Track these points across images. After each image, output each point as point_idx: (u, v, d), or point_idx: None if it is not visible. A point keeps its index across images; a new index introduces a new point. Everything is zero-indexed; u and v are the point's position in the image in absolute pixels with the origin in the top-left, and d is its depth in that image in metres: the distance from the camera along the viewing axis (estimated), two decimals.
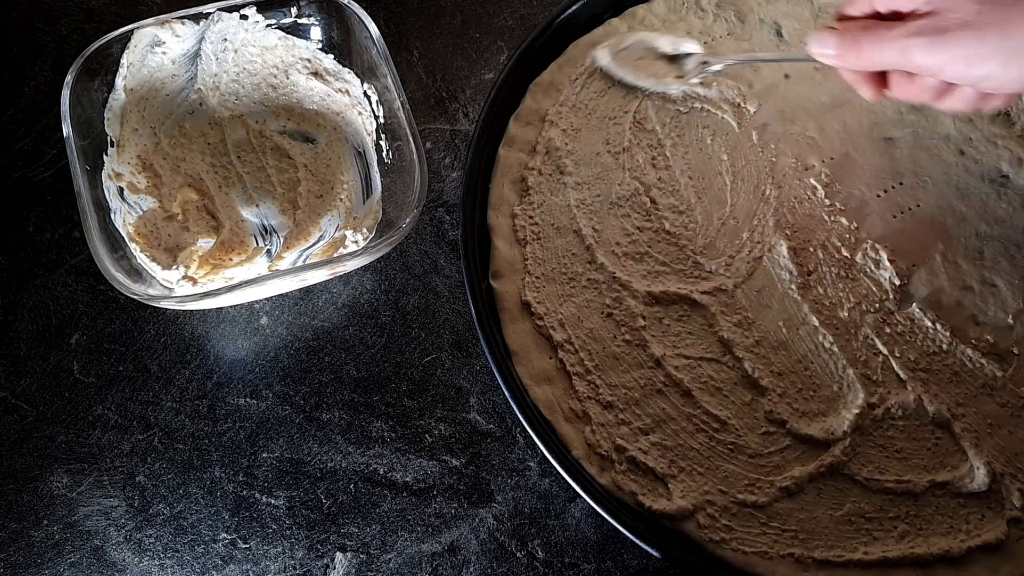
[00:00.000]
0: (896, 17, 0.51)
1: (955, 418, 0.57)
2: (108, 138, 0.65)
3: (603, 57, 0.67)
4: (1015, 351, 0.60)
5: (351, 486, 0.61)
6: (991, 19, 0.44)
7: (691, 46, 0.67)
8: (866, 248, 0.63)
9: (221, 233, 0.65)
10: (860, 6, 0.53)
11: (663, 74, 0.66)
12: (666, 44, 0.67)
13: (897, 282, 0.62)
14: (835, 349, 0.59)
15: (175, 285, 0.62)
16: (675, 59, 0.66)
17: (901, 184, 0.66)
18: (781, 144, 0.67)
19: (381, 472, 0.61)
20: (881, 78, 0.54)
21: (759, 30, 0.72)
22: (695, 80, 0.67)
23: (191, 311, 0.66)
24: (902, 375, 0.59)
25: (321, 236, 0.66)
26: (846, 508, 0.55)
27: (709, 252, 0.63)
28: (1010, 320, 0.61)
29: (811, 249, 0.63)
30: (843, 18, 0.55)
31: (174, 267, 0.62)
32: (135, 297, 0.56)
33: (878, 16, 0.52)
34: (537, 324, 0.60)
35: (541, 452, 0.56)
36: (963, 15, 0.45)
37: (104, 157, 0.64)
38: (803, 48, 0.57)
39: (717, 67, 0.66)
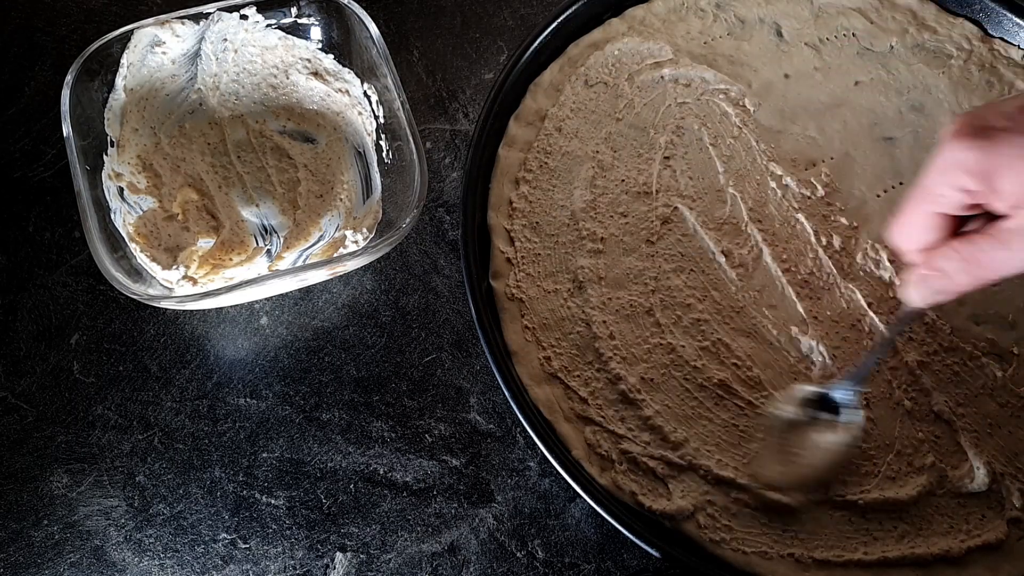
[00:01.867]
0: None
1: (956, 418, 0.57)
2: (108, 138, 0.65)
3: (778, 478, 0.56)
4: (1015, 351, 0.60)
5: (351, 486, 0.61)
6: None
7: (809, 390, 0.57)
8: (866, 248, 0.63)
9: (221, 233, 0.65)
10: (924, 232, 0.46)
11: (832, 439, 0.56)
12: (793, 410, 0.56)
13: (897, 282, 0.62)
14: (834, 350, 0.59)
15: (175, 285, 0.62)
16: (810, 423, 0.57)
17: (901, 184, 0.66)
18: (781, 144, 0.67)
19: (381, 472, 0.61)
20: None
21: (759, 30, 0.72)
22: (855, 416, 0.56)
23: (191, 311, 0.66)
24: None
25: (321, 236, 0.66)
26: (846, 508, 0.55)
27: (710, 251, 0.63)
28: (1010, 320, 0.61)
29: (811, 249, 0.63)
30: (913, 254, 0.48)
31: (174, 267, 0.62)
32: (135, 297, 0.56)
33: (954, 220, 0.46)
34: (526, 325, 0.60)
35: (541, 452, 0.56)
36: None
37: (104, 157, 0.64)
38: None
39: (852, 397, 0.56)
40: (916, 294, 0.49)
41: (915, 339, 0.60)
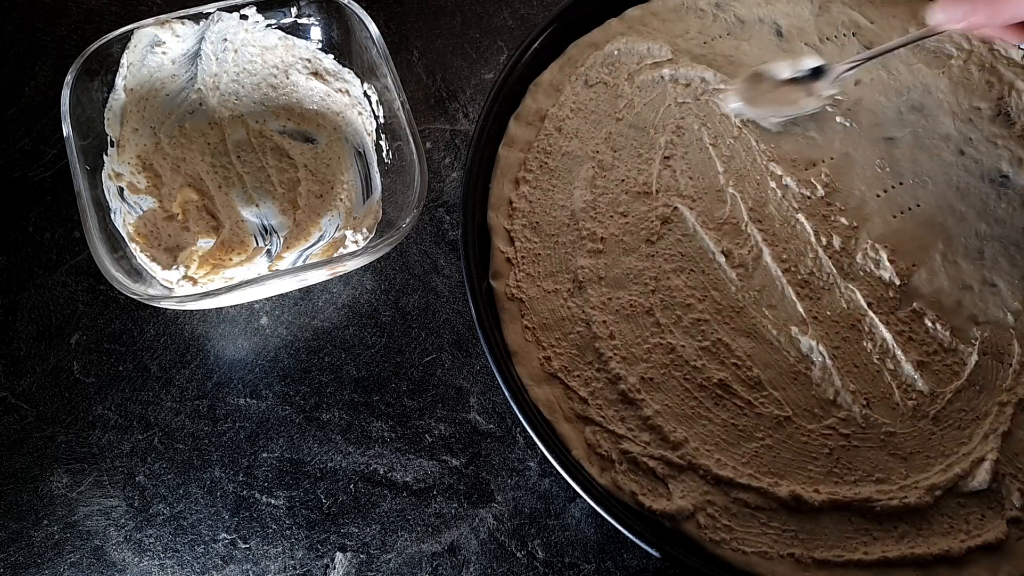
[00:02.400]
0: None
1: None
2: (108, 138, 0.65)
3: (732, 102, 0.67)
4: (1015, 350, 0.60)
5: (351, 486, 0.61)
6: None
7: (810, 61, 0.66)
8: (866, 248, 0.63)
9: (221, 233, 0.65)
10: None
11: (796, 99, 0.66)
12: (785, 70, 0.66)
13: (897, 282, 0.62)
14: (834, 350, 0.59)
15: (175, 285, 0.62)
16: (799, 80, 0.66)
17: (901, 184, 0.66)
18: (781, 144, 0.67)
19: (381, 472, 0.61)
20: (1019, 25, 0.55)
21: (759, 30, 0.72)
22: (831, 92, 0.65)
23: (191, 311, 0.66)
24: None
25: (321, 236, 0.66)
26: (846, 508, 0.55)
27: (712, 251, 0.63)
28: (1010, 320, 0.61)
29: (811, 249, 0.63)
30: None
31: (174, 267, 0.62)
32: (135, 297, 0.56)
33: None
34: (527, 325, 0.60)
35: (541, 452, 0.56)
36: None
37: (104, 157, 0.64)
38: (920, 26, 0.58)
39: (847, 71, 0.65)
40: (939, 12, 0.55)
41: (915, 339, 0.60)
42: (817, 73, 0.65)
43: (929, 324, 0.60)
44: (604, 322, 0.60)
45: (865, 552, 0.54)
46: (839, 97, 0.67)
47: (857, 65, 0.65)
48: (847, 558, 0.53)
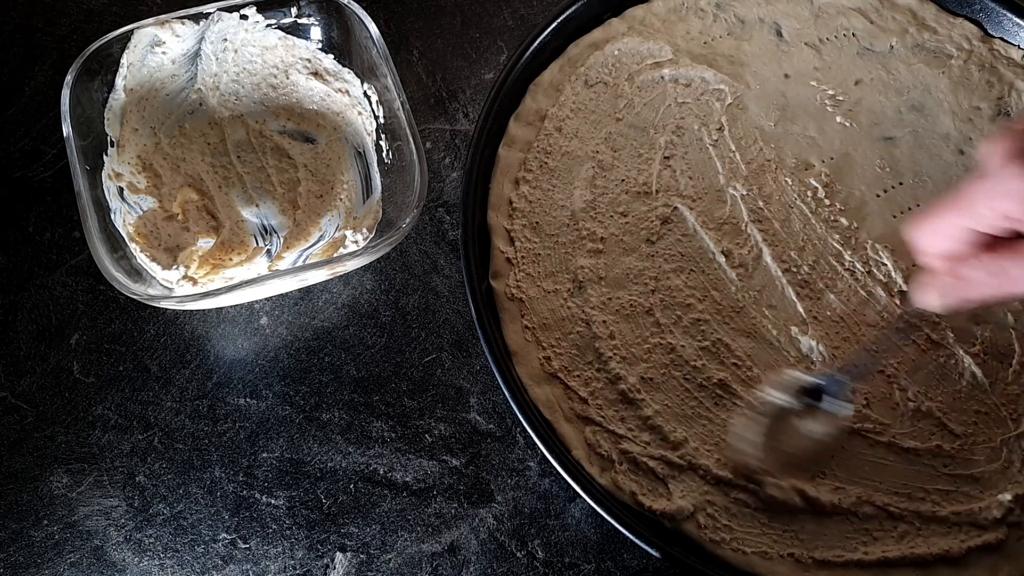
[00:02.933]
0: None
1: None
2: (108, 138, 0.65)
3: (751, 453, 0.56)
4: (1015, 350, 0.60)
5: (351, 486, 0.61)
6: None
7: (807, 379, 0.57)
8: (866, 248, 0.63)
9: (221, 233, 0.65)
10: (945, 241, 0.46)
11: (821, 431, 0.56)
12: (787, 397, 0.56)
13: (898, 282, 0.62)
14: (834, 350, 0.59)
15: (175, 285, 0.62)
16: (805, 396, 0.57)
17: (901, 184, 0.66)
18: (781, 144, 0.67)
19: (381, 472, 0.61)
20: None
21: (759, 30, 0.72)
22: (844, 404, 0.56)
23: (191, 311, 0.66)
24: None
25: (321, 236, 0.66)
26: (846, 508, 0.55)
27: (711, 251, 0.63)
28: (1010, 320, 0.61)
29: (810, 249, 0.63)
30: (935, 260, 0.48)
31: (174, 267, 0.62)
32: (135, 297, 0.56)
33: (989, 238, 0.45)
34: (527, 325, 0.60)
35: (541, 452, 0.56)
36: None
37: (104, 157, 0.64)
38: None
39: (845, 385, 0.56)
40: (936, 299, 0.48)
41: (916, 341, 0.60)
42: (816, 395, 0.56)
43: (929, 324, 0.60)
44: (604, 322, 0.60)
45: (865, 552, 0.54)
46: (840, 98, 0.67)
47: (856, 373, 0.56)
48: (847, 558, 0.53)
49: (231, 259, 0.65)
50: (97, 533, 0.59)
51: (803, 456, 0.55)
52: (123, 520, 0.59)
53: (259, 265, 0.65)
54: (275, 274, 0.59)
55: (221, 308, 0.66)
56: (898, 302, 0.61)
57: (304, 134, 0.71)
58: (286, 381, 0.64)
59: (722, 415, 0.57)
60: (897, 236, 0.63)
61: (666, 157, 0.66)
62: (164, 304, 0.57)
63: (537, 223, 0.64)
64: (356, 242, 0.64)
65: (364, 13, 0.66)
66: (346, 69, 0.69)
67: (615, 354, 0.59)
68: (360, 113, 0.69)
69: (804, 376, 0.56)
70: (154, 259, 0.62)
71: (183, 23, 0.66)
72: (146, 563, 0.58)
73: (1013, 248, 0.44)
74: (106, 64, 0.64)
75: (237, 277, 0.64)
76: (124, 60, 0.65)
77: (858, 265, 0.62)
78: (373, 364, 0.65)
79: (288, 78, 0.70)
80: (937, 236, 0.46)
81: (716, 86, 0.69)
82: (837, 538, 0.54)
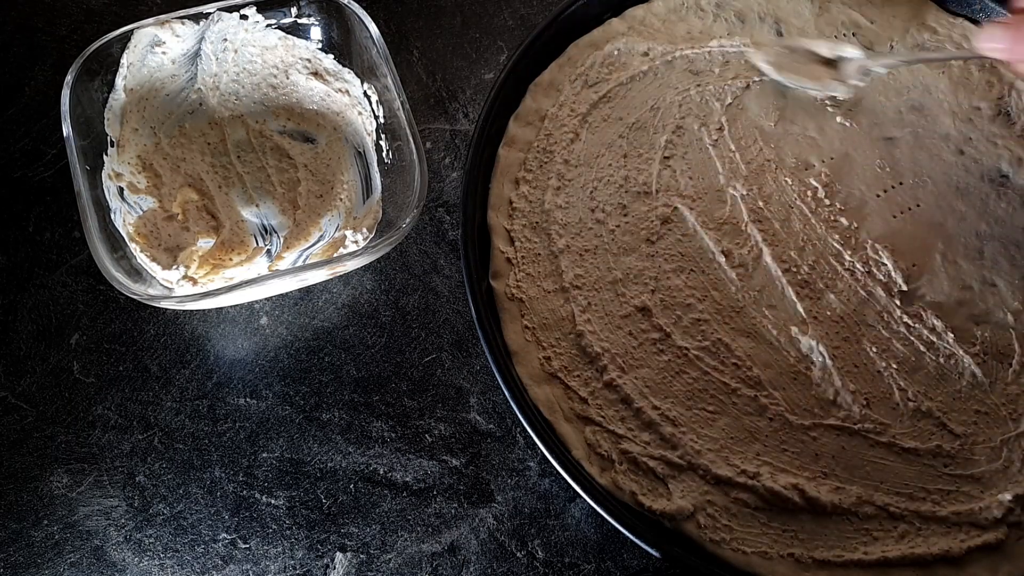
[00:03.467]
0: None
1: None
2: (108, 138, 0.65)
3: (761, 62, 0.67)
4: (1015, 350, 0.60)
5: (351, 486, 0.61)
6: None
7: (850, 51, 0.66)
8: (866, 248, 0.63)
9: (221, 233, 0.65)
10: None
11: (824, 77, 0.66)
12: (824, 48, 0.67)
13: (898, 282, 0.62)
14: (834, 350, 0.59)
15: (175, 285, 0.62)
16: (833, 63, 0.66)
17: (901, 184, 0.66)
18: (781, 144, 0.67)
19: (381, 472, 0.61)
20: None
21: (759, 29, 0.72)
22: (857, 82, 0.66)
23: (191, 311, 0.66)
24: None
25: (321, 236, 0.66)
26: (846, 508, 0.55)
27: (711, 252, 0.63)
28: (1010, 320, 0.61)
29: (810, 249, 0.63)
30: (1017, 10, 0.56)
31: (174, 267, 0.62)
32: (135, 297, 0.56)
33: None
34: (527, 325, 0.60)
35: (541, 452, 0.56)
36: None
37: (104, 157, 0.64)
38: (967, 45, 0.58)
39: (880, 70, 0.66)
40: (986, 42, 0.55)
41: (916, 339, 0.60)
42: (849, 63, 0.66)
43: (930, 324, 0.60)
44: (603, 322, 0.60)
45: (865, 552, 0.54)
46: (841, 97, 0.67)
47: (891, 67, 0.66)
48: (847, 558, 0.53)
49: (231, 259, 0.65)
50: (97, 533, 0.59)
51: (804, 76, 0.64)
52: (123, 520, 0.59)
53: (259, 265, 0.65)
54: (275, 274, 0.59)
55: (221, 308, 0.66)
56: (898, 302, 0.61)
57: (304, 134, 0.71)
58: (286, 381, 0.64)
59: (722, 415, 0.57)
60: (897, 236, 0.63)
61: (666, 157, 0.66)
62: (164, 304, 0.57)
63: (537, 223, 0.64)
64: (356, 242, 0.64)
65: (364, 13, 0.66)
66: (346, 69, 0.69)
67: (614, 354, 0.59)
68: (360, 113, 0.69)
69: (850, 50, 0.66)
70: (154, 259, 0.62)
71: (183, 23, 0.66)
72: (146, 563, 0.58)
73: None
74: (106, 64, 0.64)
75: (237, 277, 0.64)
76: (124, 60, 0.65)
77: (858, 265, 0.62)
78: (373, 364, 0.65)
79: (288, 78, 0.70)
80: None
81: (716, 86, 0.69)
82: (837, 538, 0.54)
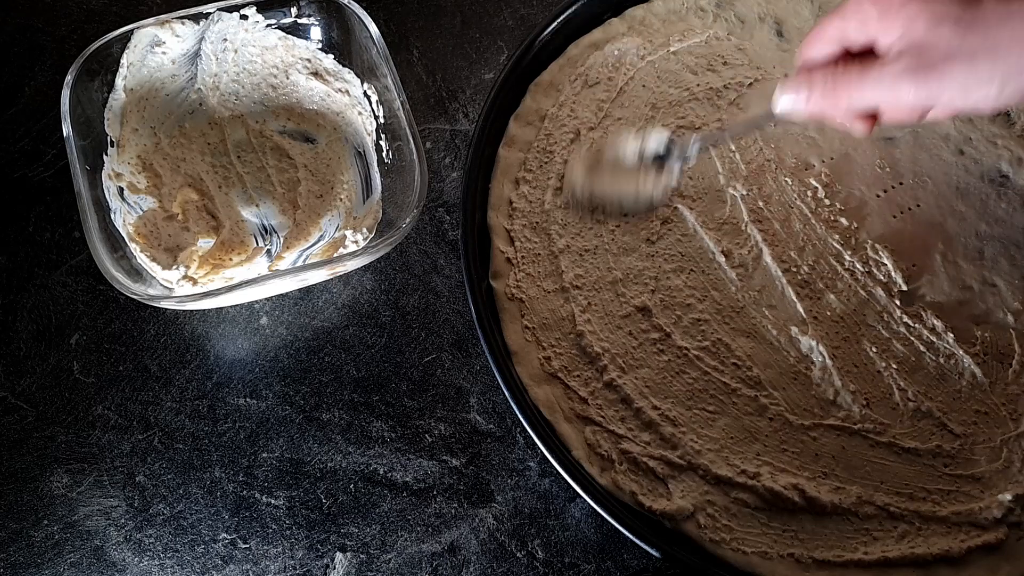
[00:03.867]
0: (864, 52, 0.49)
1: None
2: (108, 138, 0.65)
3: (577, 179, 0.62)
4: (1015, 350, 0.60)
5: (351, 486, 0.61)
6: (979, 46, 0.43)
7: (656, 138, 0.61)
8: (866, 248, 0.63)
9: (221, 233, 0.65)
10: (825, 44, 0.49)
11: (640, 184, 0.61)
12: (630, 150, 0.61)
13: (898, 282, 0.62)
14: (834, 350, 0.59)
15: (175, 285, 0.62)
16: (651, 160, 0.61)
17: (901, 184, 0.66)
18: (781, 144, 0.67)
19: (381, 472, 0.61)
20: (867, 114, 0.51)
21: (759, 30, 0.72)
22: (676, 176, 0.62)
23: (191, 311, 0.66)
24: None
25: (321, 236, 0.66)
26: (846, 508, 0.55)
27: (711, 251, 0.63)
28: (1010, 320, 0.61)
29: (810, 249, 0.63)
30: (805, 67, 0.51)
31: (174, 267, 0.62)
32: (135, 297, 0.56)
33: (846, 54, 0.49)
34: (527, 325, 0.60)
35: (541, 452, 0.56)
36: (947, 47, 0.43)
37: (104, 157, 0.64)
38: (772, 103, 0.53)
39: (692, 154, 0.61)
40: (780, 98, 0.52)
41: (916, 340, 0.60)
42: (663, 157, 0.61)
43: (930, 324, 0.60)
44: (602, 322, 0.60)
45: (865, 552, 0.54)
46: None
47: (701, 147, 0.61)
48: (847, 558, 0.53)
49: (231, 259, 0.65)
50: (97, 533, 0.59)
51: (612, 199, 0.60)
52: (123, 520, 0.59)
53: (259, 265, 0.65)
54: (275, 274, 0.59)
55: (221, 308, 0.66)
56: (898, 303, 0.61)
57: (304, 134, 0.71)
58: (286, 381, 0.64)
59: (722, 416, 0.57)
60: (897, 236, 0.63)
61: None
62: (164, 304, 0.57)
63: (537, 223, 0.64)
64: (356, 242, 0.64)
65: (364, 13, 0.66)
66: (346, 69, 0.69)
67: (614, 355, 0.59)
68: (360, 113, 0.69)
69: (656, 139, 0.60)
70: (154, 259, 0.62)
71: (183, 23, 0.66)
72: (146, 563, 0.58)
73: (856, 63, 0.47)
74: (106, 64, 0.64)
75: (237, 277, 0.64)
76: (124, 60, 0.65)
77: (858, 265, 0.62)
78: (373, 364, 0.65)
79: (288, 78, 0.70)
80: (818, 43, 0.50)
81: (716, 86, 0.69)
82: (837, 538, 0.54)
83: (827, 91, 0.48)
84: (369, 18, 0.66)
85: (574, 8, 0.70)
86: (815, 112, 0.50)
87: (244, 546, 0.59)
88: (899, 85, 0.45)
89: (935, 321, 0.60)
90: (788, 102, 0.51)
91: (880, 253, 0.63)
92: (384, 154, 0.67)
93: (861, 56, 0.48)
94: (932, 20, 0.43)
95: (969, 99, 0.45)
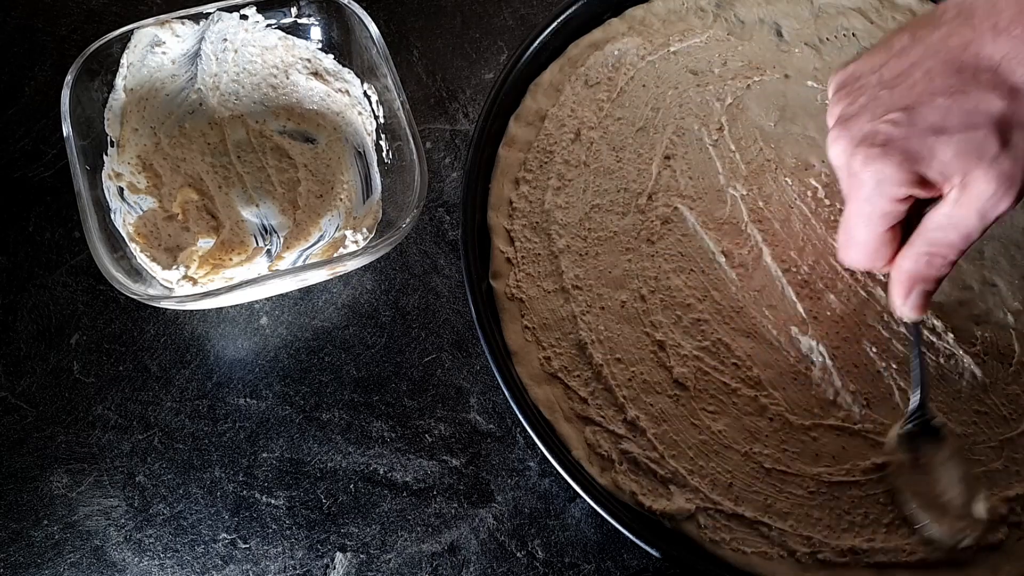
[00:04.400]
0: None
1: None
2: (108, 138, 0.65)
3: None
4: (1015, 350, 0.60)
5: (351, 486, 0.61)
6: None
7: None
8: None
9: (221, 233, 0.65)
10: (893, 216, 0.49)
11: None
12: None
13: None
14: (834, 350, 0.59)
15: (175, 285, 0.62)
16: None
17: None
18: (781, 144, 0.67)
19: (381, 472, 0.61)
20: None
21: (759, 30, 0.72)
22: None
23: (191, 311, 0.66)
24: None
25: (321, 236, 0.66)
26: (846, 508, 0.55)
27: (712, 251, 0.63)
28: (1010, 320, 0.61)
29: (810, 249, 0.63)
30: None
31: (174, 267, 0.62)
32: (135, 297, 0.56)
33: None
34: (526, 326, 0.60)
35: (541, 452, 0.56)
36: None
37: (104, 157, 0.64)
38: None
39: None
40: (908, 306, 0.51)
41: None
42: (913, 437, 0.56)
43: (929, 324, 0.60)
44: (602, 322, 0.60)
45: (866, 552, 0.53)
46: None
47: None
48: (848, 558, 0.53)
49: (231, 259, 0.65)
50: (97, 533, 0.59)
51: (960, 487, 0.54)
52: (123, 520, 0.59)
53: (259, 265, 0.65)
54: (275, 274, 0.59)
55: (221, 308, 0.66)
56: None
57: (304, 134, 0.71)
58: (286, 381, 0.64)
59: (722, 416, 0.57)
60: None
61: (666, 157, 0.66)
62: (164, 304, 0.57)
63: (537, 223, 0.64)
64: (356, 242, 0.64)
65: (364, 13, 0.66)
66: (346, 69, 0.69)
67: (612, 355, 0.59)
68: (360, 113, 0.69)
69: (902, 428, 0.56)
70: (154, 259, 0.62)
71: (183, 23, 0.66)
72: (146, 563, 0.58)
73: (928, 217, 0.48)
74: (106, 64, 0.64)
75: (237, 277, 0.64)
76: (124, 60, 0.65)
77: None
78: (373, 364, 0.65)
79: (288, 78, 0.70)
80: (876, 253, 0.51)
81: (716, 86, 0.69)
82: (837, 538, 0.54)
83: (936, 255, 0.49)
84: (369, 18, 0.66)
85: (574, 8, 0.70)
86: (941, 278, 0.50)
87: (244, 546, 0.59)
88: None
89: (935, 321, 0.60)
90: (918, 298, 0.51)
91: None
92: (384, 154, 0.67)
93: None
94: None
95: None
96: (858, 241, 0.51)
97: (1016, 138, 0.45)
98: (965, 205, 0.46)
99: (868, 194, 0.48)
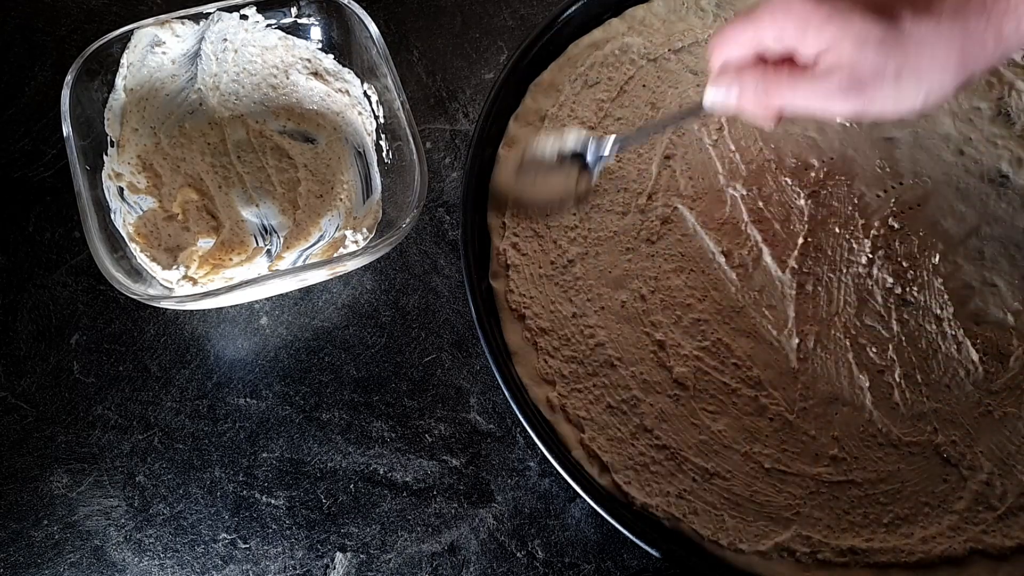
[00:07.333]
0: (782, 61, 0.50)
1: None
2: (108, 138, 0.65)
3: (502, 181, 0.62)
4: (1016, 350, 0.60)
5: (351, 486, 0.61)
6: (903, 66, 0.45)
7: (573, 137, 0.60)
8: (866, 249, 0.63)
9: (221, 233, 0.65)
10: (740, 48, 0.50)
11: (563, 188, 0.61)
12: (549, 149, 0.60)
13: (898, 282, 0.62)
14: (834, 350, 0.59)
15: (175, 285, 0.62)
16: (570, 158, 0.60)
17: (901, 184, 0.66)
18: (781, 144, 0.67)
19: (381, 472, 0.61)
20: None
21: None
22: (595, 176, 0.61)
23: (191, 311, 0.66)
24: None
25: (321, 236, 0.66)
26: (846, 508, 0.55)
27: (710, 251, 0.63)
28: (1010, 320, 0.61)
29: (810, 249, 0.63)
30: (726, 67, 0.52)
31: (174, 267, 0.62)
32: (135, 297, 0.56)
33: (762, 60, 0.50)
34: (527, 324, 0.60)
35: (541, 452, 0.56)
36: (873, 68, 0.46)
37: (104, 157, 0.64)
38: (696, 105, 0.54)
39: (610, 153, 0.60)
40: (711, 92, 0.52)
41: (915, 339, 0.60)
42: (582, 155, 0.60)
43: (930, 325, 0.60)
44: (603, 322, 0.60)
45: (866, 552, 0.54)
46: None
47: (622, 145, 0.60)
48: (847, 558, 0.53)
49: (231, 259, 0.65)
50: (97, 533, 0.59)
51: (543, 202, 0.61)
52: (123, 520, 0.59)
53: (259, 265, 0.65)
54: (275, 274, 0.59)
55: (221, 308, 0.66)
56: (898, 301, 0.61)
57: (304, 134, 0.71)
58: (286, 381, 0.64)
59: (722, 416, 0.57)
60: (897, 236, 0.63)
61: (666, 157, 0.66)
62: (164, 304, 0.57)
63: (537, 223, 0.64)
64: (356, 242, 0.64)
65: (364, 13, 0.66)
66: (346, 69, 0.69)
67: (613, 355, 0.59)
68: (360, 113, 0.69)
69: (573, 138, 0.60)
70: (154, 259, 0.62)
71: (183, 23, 0.66)
72: (146, 563, 0.58)
73: (790, 70, 0.49)
74: (106, 64, 0.64)
75: (237, 277, 0.64)
76: (124, 60, 0.65)
77: (858, 265, 0.62)
78: (373, 364, 0.65)
79: (288, 78, 0.70)
80: (733, 45, 0.51)
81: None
82: (838, 538, 0.54)
83: (759, 92, 0.50)
84: (369, 18, 0.66)
85: (574, 8, 0.70)
86: (740, 109, 0.52)
87: (244, 546, 0.59)
88: (832, 98, 0.47)
89: (935, 321, 0.60)
90: (719, 96, 0.52)
91: (879, 253, 0.63)
92: (384, 154, 0.67)
93: (778, 62, 0.50)
94: (857, 42, 0.45)
95: (896, 110, 0.48)
96: (731, 30, 0.51)
97: None
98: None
99: (769, 10, 0.49)
